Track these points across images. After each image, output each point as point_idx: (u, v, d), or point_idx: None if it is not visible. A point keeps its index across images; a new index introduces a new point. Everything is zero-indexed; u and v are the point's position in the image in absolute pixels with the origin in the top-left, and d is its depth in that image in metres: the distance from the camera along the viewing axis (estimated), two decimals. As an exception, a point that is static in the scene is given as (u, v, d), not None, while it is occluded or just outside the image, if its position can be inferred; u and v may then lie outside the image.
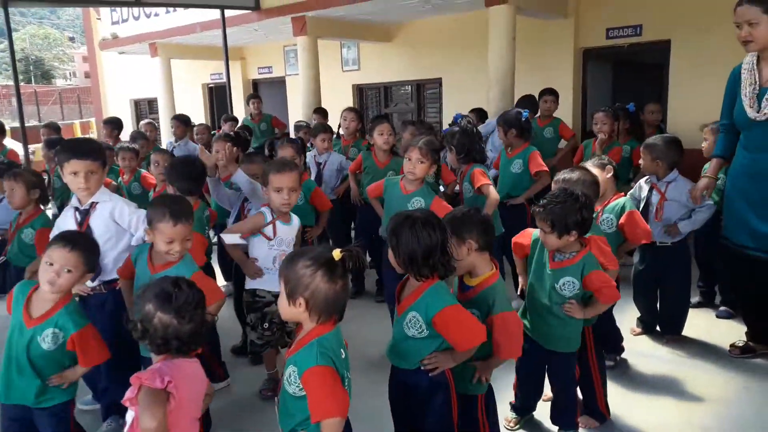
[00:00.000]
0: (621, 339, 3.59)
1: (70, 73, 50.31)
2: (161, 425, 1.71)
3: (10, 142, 7.75)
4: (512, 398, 3.00)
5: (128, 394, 1.76)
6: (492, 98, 6.47)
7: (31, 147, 8.38)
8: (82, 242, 2.38)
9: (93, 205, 2.85)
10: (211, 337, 3.29)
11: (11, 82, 7.21)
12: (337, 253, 1.81)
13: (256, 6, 8.35)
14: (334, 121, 6.26)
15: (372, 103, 10.58)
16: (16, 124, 10.18)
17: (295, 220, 3.19)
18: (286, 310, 1.85)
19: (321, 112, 7.06)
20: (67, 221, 2.85)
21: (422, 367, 2.15)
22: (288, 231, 3.12)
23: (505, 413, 2.93)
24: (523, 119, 4.38)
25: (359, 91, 10.59)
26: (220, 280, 4.77)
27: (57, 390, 2.34)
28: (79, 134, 19.29)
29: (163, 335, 1.82)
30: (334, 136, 6.41)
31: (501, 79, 6.37)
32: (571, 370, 2.73)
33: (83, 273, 2.35)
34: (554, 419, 2.86)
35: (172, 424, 1.76)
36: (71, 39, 54.67)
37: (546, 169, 4.29)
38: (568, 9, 7.55)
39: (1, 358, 2.37)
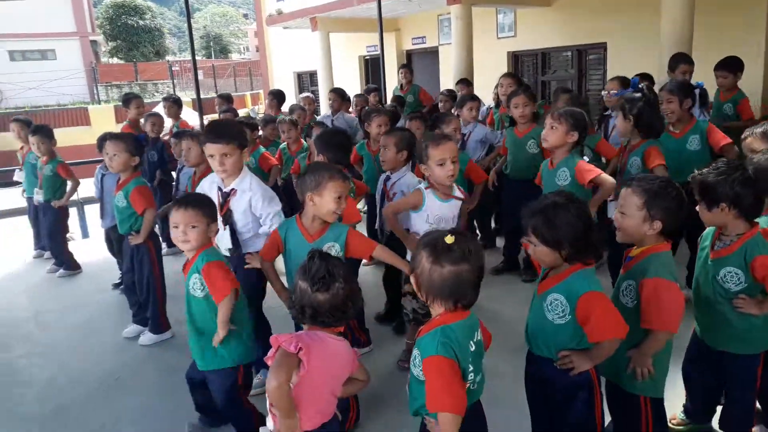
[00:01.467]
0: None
1: (243, 48, 54.54)
2: (282, 387, 1.78)
3: (189, 113, 8.57)
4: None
5: (270, 353, 1.86)
6: (663, 66, 5.82)
7: (207, 117, 9.21)
8: (193, 199, 2.56)
9: (233, 191, 2.98)
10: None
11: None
12: (449, 238, 1.74)
13: (411, -25, 8.32)
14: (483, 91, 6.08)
15: (528, 70, 10.12)
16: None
17: (457, 194, 3.09)
18: (413, 287, 1.86)
19: (465, 83, 6.85)
20: (211, 194, 2.99)
21: (557, 366, 2.02)
22: (447, 208, 3.04)
23: (674, 410, 2.67)
24: (698, 90, 3.87)
25: (514, 58, 10.18)
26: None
27: (221, 350, 2.51)
28: (249, 105, 20.95)
29: (301, 303, 1.92)
30: (493, 105, 6.24)
31: (675, 44, 5.66)
32: (749, 374, 2.38)
33: (207, 224, 2.50)
34: (723, 425, 2.54)
35: (301, 391, 1.84)
36: (245, 16, 59.07)
37: (731, 141, 3.74)
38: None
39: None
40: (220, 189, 3.02)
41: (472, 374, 1.79)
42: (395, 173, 3.60)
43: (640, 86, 3.69)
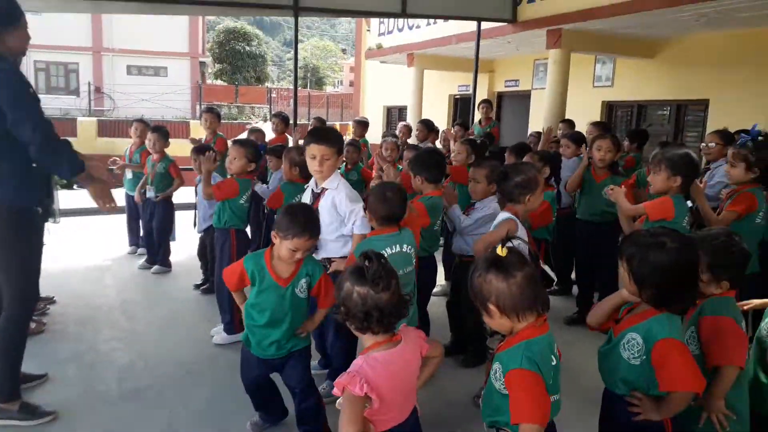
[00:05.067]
0: None
1: (338, 82, 56.57)
2: (359, 429, 1.74)
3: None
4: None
5: (335, 391, 1.84)
6: (771, 125, 5.53)
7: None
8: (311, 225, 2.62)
9: (323, 190, 3.13)
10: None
11: (291, 86, 8.41)
12: (500, 249, 1.80)
13: (512, 18, 8.40)
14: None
15: (622, 122, 9.89)
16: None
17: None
18: (490, 323, 1.87)
19: (569, 123, 6.85)
20: (307, 198, 3.27)
21: (628, 407, 1.95)
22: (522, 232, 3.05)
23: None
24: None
25: (609, 108, 9.99)
26: (440, 279, 4.92)
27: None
28: (337, 134, 21.61)
29: (363, 309, 1.85)
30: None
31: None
32: None
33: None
34: None
35: (381, 412, 1.84)
36: (343, 50, 61.43)
37: None
38: None
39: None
40: (312, 191, 3.20)
41: (552, 390, 1.78)
42: (481, 202, 3.63)
43: (759, 133, 3.51)
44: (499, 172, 3.18)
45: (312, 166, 3.10)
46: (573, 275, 5.26)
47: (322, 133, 3.17)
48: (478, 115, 8.72)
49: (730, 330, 2.02)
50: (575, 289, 5.01)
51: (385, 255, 2.66)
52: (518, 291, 1.77)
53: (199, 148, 4.72)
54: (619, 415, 2.00)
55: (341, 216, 3.09)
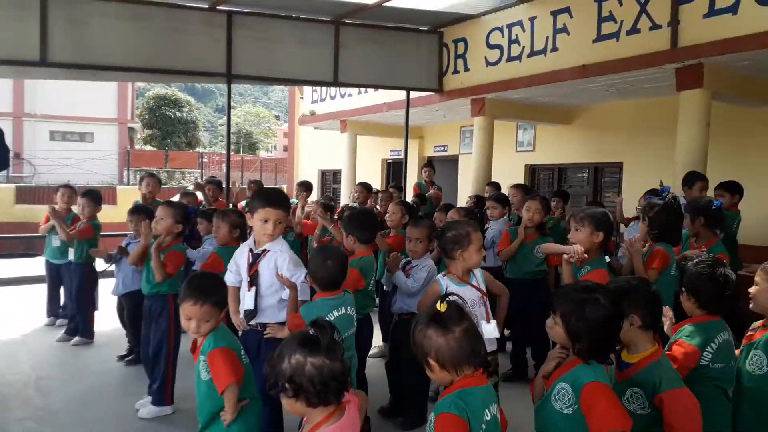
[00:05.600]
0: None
1: (271, 147, 56.79)
2: None
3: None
4: None
5: None
6: (679, 185, 6.00)
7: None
8: (207, 291, 2.55)
9: (264, 252, 3.09)
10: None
11: (224, 151, 8.42)
12: (441, 305, 1.88)
13: (439, 88, 8.84)
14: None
15: (544, 184, 10.41)
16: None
17: (474, 282, 3.17)
18: (432, 377, 1.91)
19: (495, 185, 7.17)
20: (243, 258, 3.15)
21: None
22: (463, 292, 3.05)
23: None
24: (714, 208, 4.00)
25: (531, 171, 10.52)
26: (377, 340, 4.88)
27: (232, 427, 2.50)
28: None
29: (320, 380, 1.73)
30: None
31: (690, 165, 5.86)
32: None
33: (218, 314, 2.57)
34: None
35: None
36: (277, 117, 62.05)
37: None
38: (774, 96, 6.87)
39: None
40: (251, 251, 3.11)
41: None
42: (417, 261, 3.71)
43: (664, 194, 3.77)
44: (436, 229, 3.29)
45: (264, 230, 3.04)
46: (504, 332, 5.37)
47: (275, 197, 3.14)
48: (414, 176, 8.94)
49: (681, 405, 2.10)
50: (508, 346, 5.10)
51: (331, 319, 2.66)
52: (456, 345, 1.82)
53: (138, 209, 4.61)
54: None
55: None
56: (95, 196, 5.56)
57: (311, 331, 1.82)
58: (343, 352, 1.87)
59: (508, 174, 9.97)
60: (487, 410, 1.83)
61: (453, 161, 12.06)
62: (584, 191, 9.63)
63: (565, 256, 3.21)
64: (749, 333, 2.67)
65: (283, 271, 3.01)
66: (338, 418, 1.81)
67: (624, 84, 7.21)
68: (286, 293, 3.03)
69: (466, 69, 8.42)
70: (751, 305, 2.65)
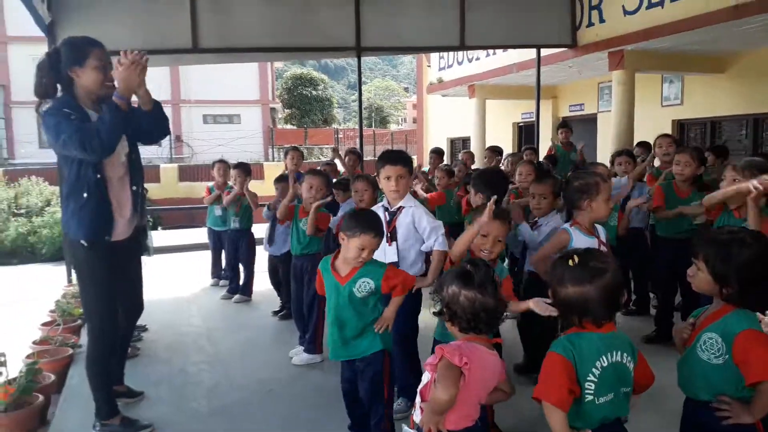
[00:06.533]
0: None
1: (401, 119, 57.56)
2: (452, 399, 1.86)
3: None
4: None
5: (430, 359, 1.96)
6: None
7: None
8: (375, 223, 2.73)
9: (400, 209, 3.27)
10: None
11: (357, 127, 8.79)
12: (573, 259, 1.90)
13: (572, 43, 8.43)
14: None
15: (695, 141, 9.59)
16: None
17: (600, 235, 3.11)
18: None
19: (645, 146, 6.63)
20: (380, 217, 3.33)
21: (715, 412, 1.90)
22: (591, 245, 2.99)
23: None
24: None
25: (680, 127, 9.74)
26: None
27: (378, 337, 2.74)
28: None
29: (471, 311, 1.95)
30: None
31: None
32: None
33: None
34: None
35: (462, 402, 1.91)
36: (405, 89, 62.62)
37: None
38: None
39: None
40: (386, 210, 3.30)
41: (592, 388, 1.81)
42: (544, 218, 3.67)
43: None
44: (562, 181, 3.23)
45: (388, 187, 3.23)
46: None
47: (394, 155, 3.35)
48: (548, 139, 8.67)
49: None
50: (651, 311, 4.89)
51: None
52: (564, 299, 1.89)
53: (282, 177, 5.06)
54: (705, 423, 1.94)
55: (419, 233, 3.22)
56: (246, 168, 6.15)
57: (468, 267, 2.01)
58: (496, 291, 1.99)
59: (654, 131, 9.18)
60: (603, 357, 1.81)
61: (591, 121, 11.50)
62: (742, 146, 8.75)
63: (751, 195, 2.83)
64: None
65: (423, 223, 3.18)
66: (481, 344, 1.98)
67: (788, 21, 6.41)
68: (426, 246, 3.20)
69: (602, 21, 7.94)
70: None
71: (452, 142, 16.55)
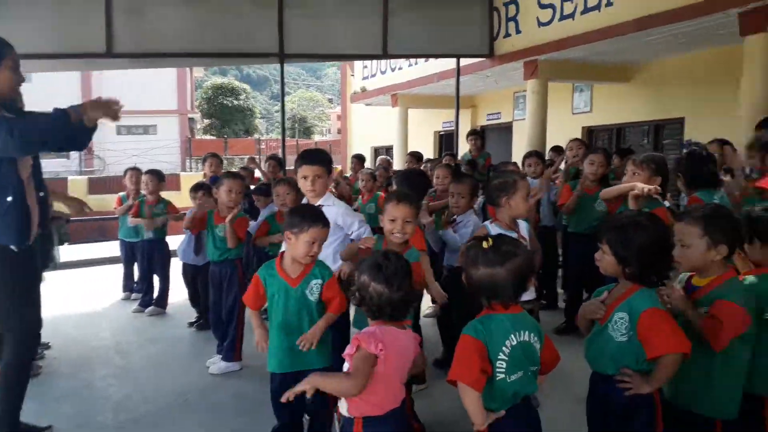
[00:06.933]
0: None
1: (326, 130, 57.44)
2: (362, 385, 1.89)
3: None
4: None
5: (348, 350, 1.94)
6: (741, 139, 5.72)
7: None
8: (321, 215, 2.69)
9: (320, 207, 3.18)
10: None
11: (279, 137, 8.64)
12: (486, 243, 1.95)
13: (490, 53, 8.69)
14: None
15: (603, 145, 10.11)
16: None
17: (521, 230, 3.20)
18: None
19: (557, 150, 7.05)
20: None
21: (617, 384, 2.00)
22: None
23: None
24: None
25: (589, 133, 10.24)
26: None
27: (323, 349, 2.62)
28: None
29: (378, 303, 1.98)
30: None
31: (755, 113, 5.55)
32: None
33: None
34: None
35: (376, 383, 1.92)
36: (330, 100, 62.61)
37: None
38: None
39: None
40: None
41: (503, 366, 1.86)
42: (462, 216, 3.73)
43: (690, 145, 3.72)
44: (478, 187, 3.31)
45: (305, 186, 3.21)
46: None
47: (311, 155, 3.31)
48: (466, 147, 8.89)
49: (725, 315, 2.00)
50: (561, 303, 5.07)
51: None
52: (476, 280, 1.94)
53: (198, 186, 4.85)
54: (608, 395, 2.04)
55: (343, 229, 3.21)
56: (158, 174, 5.88)
57: (381, 260, 2.02)
58: (406, 284, 1.99)
59: (565, 138, 9.61)
60: (512, 336, 1.88)
61: (507, 129, 11.88)
62: (645, 150, 9.24)
63: (634, 191, 3.19)
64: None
65: (347, 219, 3.19)
66: (394, 326, 2.01)
67: (683, 35, 6.88)
68: (354, 234, 3.19)
69: (518, 32, 8.24)
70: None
71: (376, 150, 16.65)
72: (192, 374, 4.08)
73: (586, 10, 7.21)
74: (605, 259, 2.08)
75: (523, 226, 3.23)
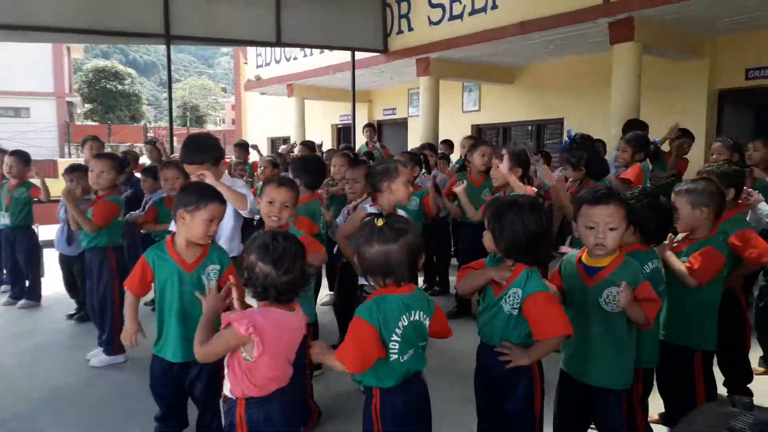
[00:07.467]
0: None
1: (220, 120, 55.52)
2: (207, 356, 2.01)
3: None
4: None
5: (221, 329, 1.94)
6: (614, 138, 6.30)
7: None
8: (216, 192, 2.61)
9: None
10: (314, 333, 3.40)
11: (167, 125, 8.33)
12: (380, 221, 1.95)
13: (384, 48, 8.88)
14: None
15: (491, 142, 10.69)
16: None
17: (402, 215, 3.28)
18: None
19: (448, 143, 7.47)
20: None
21: (498, 356, 2.11)
22: None
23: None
24: (653, 146, 4.36)
25: (478, 131, 10.76)
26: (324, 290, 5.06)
27: None
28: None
29: (262, 284, 1.93)
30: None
31: (623, 118, 6.13)
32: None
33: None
34: None
35: (259, 363, 1.91)
36: (224, 89, 60.56)
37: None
38: (703, 49, 7.24)
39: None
40: None
41: (396, 347, 1.91)
42: (359, 201, 3.82)
43: (572, 137, 3.90)
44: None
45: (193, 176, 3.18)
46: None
47: (191, 148, 3.25)
48: (364, 140, 9.03)
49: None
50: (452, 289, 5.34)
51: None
52: (369, 258, 1.94)
53: (73, 167, 4.52)
54: (490, 366, 2.16)
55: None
56: (23, 156, 5.34)
57: (269, 240, 1.96)
58: (296, 267, 1.95)
59: (456, 134, 10.08)
60: (404, 316, 1.92)
61: (402, 125, 12.18)
62: (528, 147, 9.91)
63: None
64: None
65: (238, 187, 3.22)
66: (282, 308, 1.98)
67: (561, 41, 7.44)
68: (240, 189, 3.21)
69: (410, 29, 8.50)
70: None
71: (272, 141, 16.40)
72: (71, 369, 3.86)
73: (474, 11, 7.59)
74: (486, 237, 2.20)
75: (403, 215, 3.34)
